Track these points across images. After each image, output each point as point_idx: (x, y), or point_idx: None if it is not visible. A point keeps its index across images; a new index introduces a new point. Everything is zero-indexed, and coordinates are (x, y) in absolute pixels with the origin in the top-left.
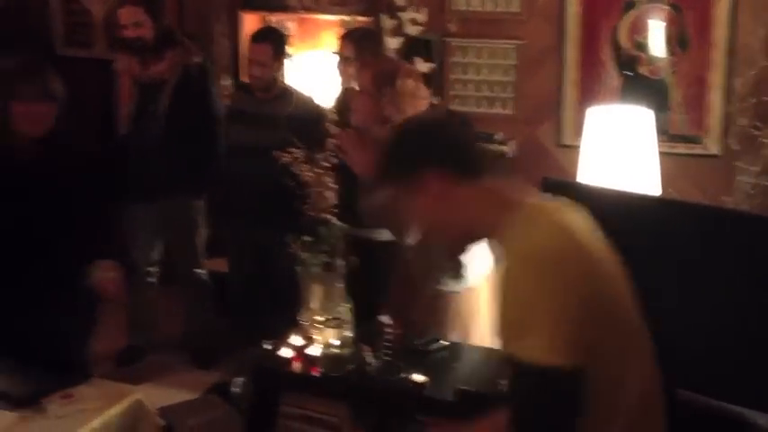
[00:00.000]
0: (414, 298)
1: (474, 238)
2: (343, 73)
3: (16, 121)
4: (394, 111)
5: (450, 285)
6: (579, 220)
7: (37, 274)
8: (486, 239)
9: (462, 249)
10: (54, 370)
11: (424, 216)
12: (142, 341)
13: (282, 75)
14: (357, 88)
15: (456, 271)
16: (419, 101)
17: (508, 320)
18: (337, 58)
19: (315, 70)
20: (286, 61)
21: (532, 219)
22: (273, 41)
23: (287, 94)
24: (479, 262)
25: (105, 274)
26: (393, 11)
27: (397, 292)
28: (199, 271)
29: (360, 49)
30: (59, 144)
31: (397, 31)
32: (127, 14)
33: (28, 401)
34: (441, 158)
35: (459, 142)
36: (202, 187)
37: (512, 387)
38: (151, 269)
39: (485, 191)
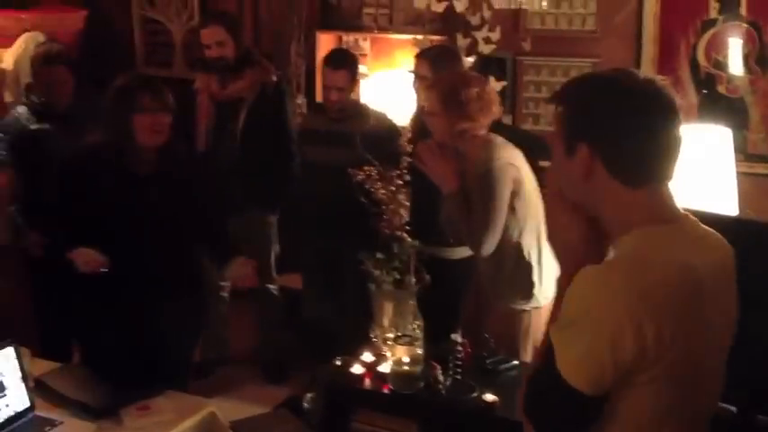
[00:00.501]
0: (484, 316)
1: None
2: (418, 92)
3: (140, 134)
4: (467, 122)
5: (520, 304)
6: (705, 258)
7: (141, 282)
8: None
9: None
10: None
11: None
12: (214, 355)
13: (357, 94)
14: (429, 111)
15: (526, 290)
16: (490, 105)
17: (563, 313)
18: (413, 76)
19: (389, 89)
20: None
21: (657, 239)
22: (350, 67)
23: (361, 112)
24: (550, 281)
25: (242, 269)
26: (467, 30)
27: (469, 309)
28: (270, 286)
29: (435, 67)
30: (174, 156)
31: (471, 50)
32: (210, 34)
33: (106, 412)
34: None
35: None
36: (276, 204)
37: (534, 371)
38: (224, 284)
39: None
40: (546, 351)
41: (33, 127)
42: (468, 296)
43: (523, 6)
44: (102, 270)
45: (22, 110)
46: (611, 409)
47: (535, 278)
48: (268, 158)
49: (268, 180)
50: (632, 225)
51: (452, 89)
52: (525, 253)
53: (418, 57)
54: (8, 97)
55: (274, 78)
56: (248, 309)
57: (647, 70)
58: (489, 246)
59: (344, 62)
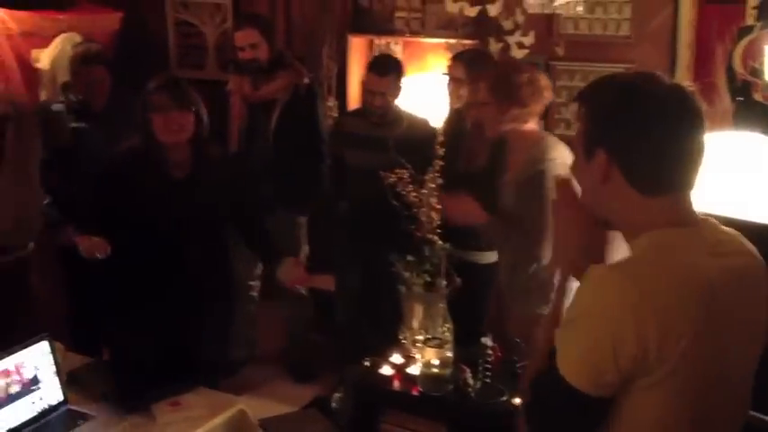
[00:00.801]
0: (506, 320)
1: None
2: (453, 94)
3: (157, 132)
4: (518, 108)
5: (539, 308)
6: (721, 262)
7: (176, 282)
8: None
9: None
10: (162, 376)
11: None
12: (243, 354)
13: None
14: (479, 101)
15: (545, 294)
16: (541, 91)
17: (567, 312)
18: (447, 79)
19: (421, 92)
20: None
21: (668, 241)
22: (394, 72)
23: (399, 117)
24: (570, 285)
25: (293, 270)
26: (500, 34)
27: (492, 313)
28: (299, 287)
29: (470, 70)
30: (207, 157)
31: (504, 55)
32: (244, 36)
33: (138, 407)
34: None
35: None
36: (306, 205)
37: (535, 374)
38: (253, 283)
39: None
40: (548, 352)
41: (71, 125)
42: (490, 300)
43: (558, 11)
44: (98, 256)
45: (59, 107)
46: (614, 413)
47: (554, 280)
48: (299, 160)
49: (298, 181)
50: (645, 229)
51: (502, 75)
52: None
53: (453, 59)
54: (44, 96)
55: (306, 80)
56: (277, 309)
57: (681, 77)
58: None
59: (390, 68)
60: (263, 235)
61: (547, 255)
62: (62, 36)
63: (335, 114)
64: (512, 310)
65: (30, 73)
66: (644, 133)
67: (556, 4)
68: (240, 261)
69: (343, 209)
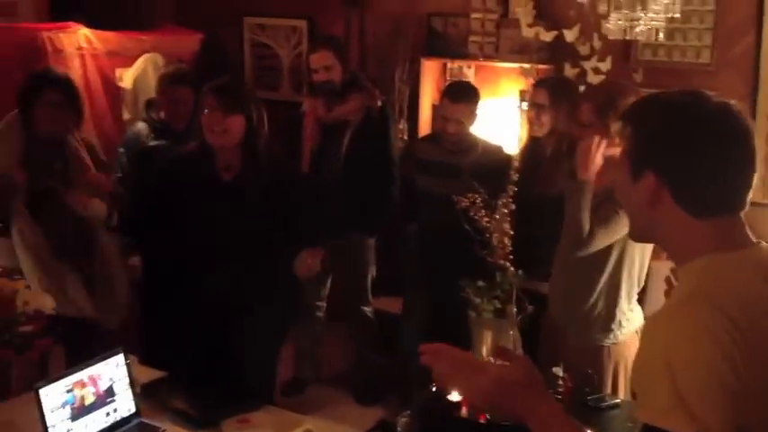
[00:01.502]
0: (561, 351)
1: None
2: (534, 121)
3: (204, 133)
4: None
5: (598, 339)
6: None
7: (227, 298)
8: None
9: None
10: (232, 394)
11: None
12: (307, 374)
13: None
14: (582, 123)
15: (605, 324)
16: None
17: (641, 365)
18: (527, 105)
19: (493, 117)
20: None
21: (725, 267)
22: (470, 99)
23: (475, 144)
24: (630, 316)
25: (307, 258)
26: (576, 59)
27: (546, 344)
28: (365, 309)
29: (554, 96)
30: (256, 162)
31: (580, 80)
32: (318, 59)
33: (208, 423)
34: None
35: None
36: (375, 227)
37: None
38: (320, 304)
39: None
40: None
41: (151, 143)
42: (543, 330)
43: (638, 38)
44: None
45: (142, 126)
46: None
47: (616, 311)
48: (369, 182)
49: (368, 203)
50: (696, 253)
51: (608, 98)
52: (611, 285)
53: (536, 85)
54: (126, 115)
55: (379, 103)
56: (343, 329)
57: (765, 105)
58: (598, 243)
59: (465, 95)
60: (298, 238)
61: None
62: (145, 56)
63: (406, 137)
64: (568, 340)
65: (113, 91)
66: (693, 154)
67: (637, 30)
68: (307, 281)
69: (412, 232)
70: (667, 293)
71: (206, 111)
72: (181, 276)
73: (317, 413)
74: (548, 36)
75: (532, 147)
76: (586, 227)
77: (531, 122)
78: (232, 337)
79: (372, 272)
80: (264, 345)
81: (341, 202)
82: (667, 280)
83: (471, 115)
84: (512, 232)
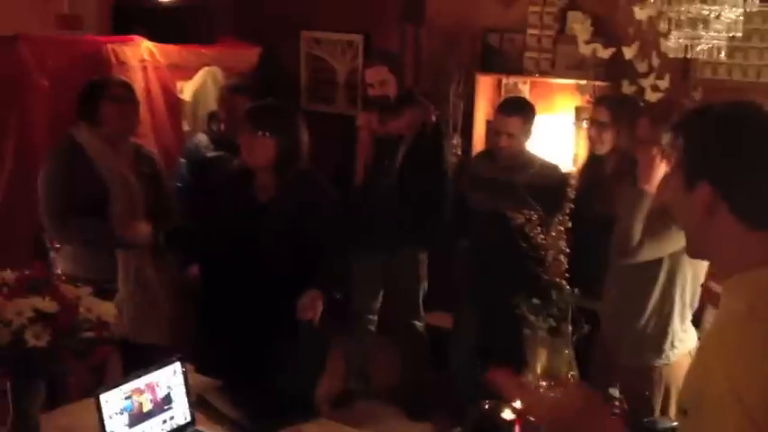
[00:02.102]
0: (610, 372)
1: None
2: (596, 139)
3: (241, 152)
4: None
5: (649, 360)
6: None
7: (271, 311)
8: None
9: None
10: (285, 405)
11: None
12: (357, 387)
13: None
14: (640, 140)
15: (657, 344)
16: None
17: (698, 386)
18: (587, 123)
19: (548, 133)
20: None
21: None
22: (523, 114)
23: (530, 162)
24: (683, 337)
25: (308, 300)
26: (634, 76)
27: (595, 364)
28: (416, 323)
29: (615, 114)
30: (290, 184)
31: (638, 98)
32: (373, 73)
33: None
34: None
35: None
36: (428, 241)
37: None
38: (371, 317)
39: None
40: None
41: (210, 154)
42: (597, 349)
43: (698, 56)
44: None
45: (202, 137)
46: None
47: (669, 330)
48: (422, 196)
49: (421, 217)
50: (747, 266)
51: (667, 115)
52: (663, 304)
53: (597, 103)
54: (186, 126)
55: (433, 118)
56: (394, 343)
57: None
58: (645, 253)
59: (518, 109)
60: (322, 268)
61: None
62: (205, 69)
63: (460, 153)
64: (620, 361)
65: (174, 103)
66: (749, 164)
67: (698, 48)
68: (359, 294)
69: (464, 248)
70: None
71: (240, 131)
72: (229, 290)
73: (366, 427)
74: (605, 53)
75: (592, 165)
76: (636, 236)
77: (592, 141)
78: (280, 348)
79: (424, 287)
80: (308, 358)
81: (394, 216)
82: (706, 288)
83: (524, 129)
84: (568, 250)
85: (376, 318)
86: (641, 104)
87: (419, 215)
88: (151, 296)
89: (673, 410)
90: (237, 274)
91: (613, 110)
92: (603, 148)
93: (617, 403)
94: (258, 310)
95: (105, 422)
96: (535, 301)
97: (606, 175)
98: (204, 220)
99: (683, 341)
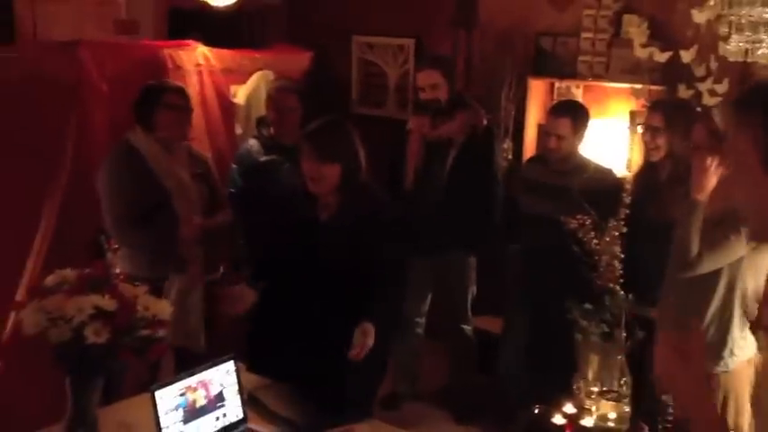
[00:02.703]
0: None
1: None
2: (650, 144)
3: (305, 180)
4: None
5: (710, 367)
6: None
7: (328, 313)
8: None
9: None
10: (339, 405)
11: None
12: (405, 389)
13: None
14: (695, 145)
15: (716, 351)
16: None
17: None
18: (642, 128)
19: (601, 138)
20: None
21: None
22: (573, 115)
23: (584, 166)
24: (742, 344)
25: (360, 337)
26: (691, 80)
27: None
28: (465, 327)
29: (668, 119)
30: (352, 204)
31: (694, 102)
32: (425, 77)
33: None
34: None
35: None
36: (477, 246)
37: None
38: (419, 320)
39: None
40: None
41: (262, 159)
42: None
43: (759, 60)
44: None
45: (253, 142)
46: None
47: (728, 338)
48: (472, 200)
49: (470, 222)
50: None
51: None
52: (723, 311)
53: (651, 108)
54: (238, 129)
55: (484, 122)
56: (441, 346)
57: None
58: (705, 265)
59: (568, 111)
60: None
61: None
62: (258, 73)
63: (510, 157)
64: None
65: (227, 107)
66: None
67: (758, 52)
68: (406, 298)
69: (514, 252)
70: None
71: (301, 156)
72: (289, 300)
73: (414, 429)
74: (662, 56)
75: (648, 170)
76: (694, 248)
77: (646, 146)
78: (338, 347)
79: (472, 291)
80: (370, 361)
81: (443, 219)
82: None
83: (574, 132)
84: (622, 255)
85: (424, 321)
86: (697, 109)
87: (468, 219)
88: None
89: (732, 417)
90: (298, 288)
91: (668, 115)
92: (657, 154)
93: (671, 410)
94: (317, 317)
95: (160, 418)
96: (587, 306)
97: (661, 181)
98: (264, 235)
99: (743, 349)
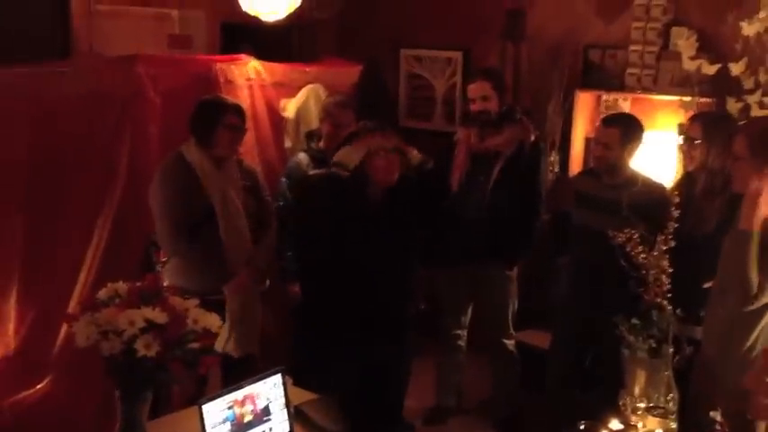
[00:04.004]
0: (718, 394)
1: None
2: (687, 155)
3: (375, 172)
4: None
5: None
6: None
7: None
8: None
9: None
10: (381, 419)
11: None
12: (449, 402)
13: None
14: (735, 156)
15: None
16: None
17: None
18: (682, 139)
19: (651, 151)
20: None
21: None
22: (623, 126)
23: (633, 179)
24: None
25: None
26: (739, 93)
27: (697, 385)
28: (507, 342)
29: (707, 131)
30: (404, 192)
31: (743, 115)
32: (476, 89)
33: None
34: None
35: None
36: (516, 260)
37: None
38: (460, 332)
39: None
40: None
41: (312, 172)
42: (696, 371)
43: None
44: None
45: (302, 156)
46: None
47: None
48: (514, 214)
49: (511, 235)
50: None
51: (763, 132)
52: None
53: (692, 119)
54: (287, 143)
55: (533, 138)
56: (485, 360)
57: None
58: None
59: (617, 121)
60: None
61: None
62: (307, 87)
63: (556, 170)
64: (723, 384)
65: (277, 120)
66: None
67: None
68: (448, 309)
69: (563, 265)
70: None
71: (374, 153)
72: (340, 297)
73: None
74: (711, 69)
75: (686, 182)
76: (755, 282)
77: (684, 157)
78: (383, 359)
79: (514, 304)
80: (398, 372)
81: (484, 232)
82: None
83: (622, 142)
84: (670, 270)
85: (465, 333)
86: (739, 123)
87: (509, 233)
88: (250, 312)
89: None
90: (346, 284)
91: (705, 127)
92: (692, 165)
93: (718, 427)
94: (366, 315)
95: (207, 431)
96: (635, 321)
97: (696, 192)
98: (314, 238)
99: None
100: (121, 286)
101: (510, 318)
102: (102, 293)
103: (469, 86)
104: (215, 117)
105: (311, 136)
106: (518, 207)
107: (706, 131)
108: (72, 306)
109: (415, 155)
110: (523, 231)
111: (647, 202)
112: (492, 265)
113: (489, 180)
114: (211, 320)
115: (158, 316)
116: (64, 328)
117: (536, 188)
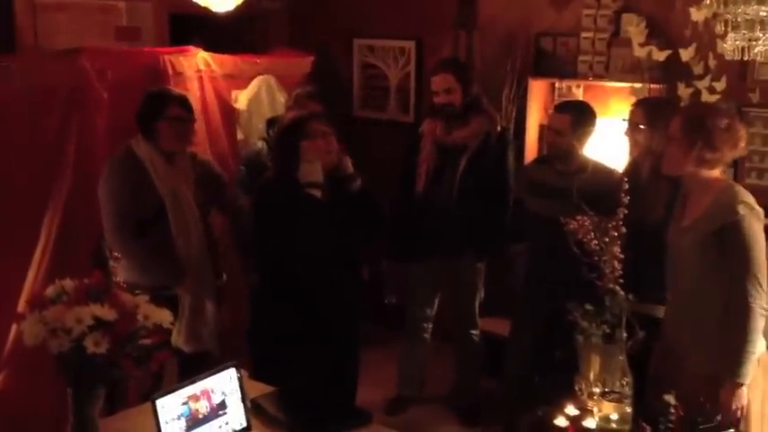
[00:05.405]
0: (680, 380)
1: None
2: (631, 140)
3: (315, 153)
4: (709, 152)
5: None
6: None
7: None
8: None
9: None
10: (338, 411)
11: None
12: (409, 393)
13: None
14: (669, 137)
15: None
16: (737, 140)
17: None
18: (626, 125)
19: (602, 137)
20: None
21: None
22: (574, 113)
23: (585, 166)
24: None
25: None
26: (689, 78)
27: (657, 370)
28: (473, 332)
29: (651, 117)
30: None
31: (693, 100)
32: (440, 81)
33: None
34: None
35: None
36: (487, 251)
37: None
38: (426, 325)
39: None
40: None
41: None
42: (655, 355)
43: (757, 58)
44: None
45: (261, 145)
46: None
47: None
48: (483, 206)
49: (481, 227)
50: None
51: (698, 116)
52: None
53: (635, 105)
54: (240, 134)
55: (499, 128)
56: (447, 350)
57: None
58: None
59: (569, 108)
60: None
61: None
62: (259, 78)
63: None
64: (687, 368)
65: (228, 112)
66: None
67: (755, 50)
68: (414, 301)
69: (518, 253)
70: None
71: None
72: (295, 290)
73: None
74: (661, 55)
75: (632, 168)
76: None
77: (629, 142)
78: (337, 350)
79: (480, 296)
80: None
81: (452, 225)
82: None
83: (573, 129)
84: (622, 255)
85: (431, 326)
86: (680, 106)
87: (478, 225)
88: (201, 307)
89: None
90: (305, 277)
91: (648, 112)
92: (636, 150)
93: (672, 410)
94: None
95: (162, 427)
96: (588, 307)
97: (643, 178)
98: (274, 233)
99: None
100: (68, 283)
101: (476, 310)
102: (50, 291)
103: (433, 78)
104: (157, 109)
105: (271, 124)
106: (487, 198)
107: (649, 116)
108: (21, 304)
109: (349, 166)
110: (494, 222)
111: (596, 189)
112: (463, 257)
113: (457, 172)
114: (163, 316)
115: (107, 313)
116: (14, 326)
117: (504, 179)
